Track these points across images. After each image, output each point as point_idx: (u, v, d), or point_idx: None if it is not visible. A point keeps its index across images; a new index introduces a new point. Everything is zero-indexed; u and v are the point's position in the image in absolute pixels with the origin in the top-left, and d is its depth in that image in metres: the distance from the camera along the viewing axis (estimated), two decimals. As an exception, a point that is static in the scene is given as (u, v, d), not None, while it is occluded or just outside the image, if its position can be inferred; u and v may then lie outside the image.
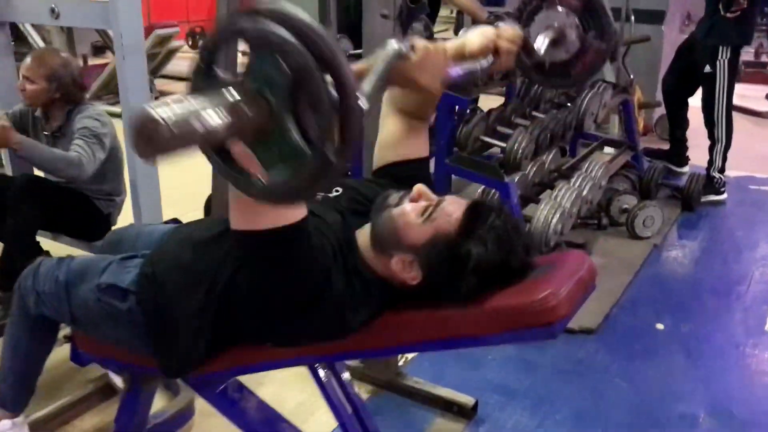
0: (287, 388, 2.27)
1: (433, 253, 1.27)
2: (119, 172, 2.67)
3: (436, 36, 4.27)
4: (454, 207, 1.31)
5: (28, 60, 2.57)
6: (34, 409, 2.03)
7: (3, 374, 1.85)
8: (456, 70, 1.39)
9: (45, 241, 2.76)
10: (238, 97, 0.87)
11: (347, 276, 1.30)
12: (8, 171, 2.85)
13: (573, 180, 3.20)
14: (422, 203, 1.32)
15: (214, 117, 0.84)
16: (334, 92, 0.85)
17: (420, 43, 1.27)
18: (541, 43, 1.64)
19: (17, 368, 1.85)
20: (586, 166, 3.39)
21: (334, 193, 1.51)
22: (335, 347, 1.38)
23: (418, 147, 1.56)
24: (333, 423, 1.80)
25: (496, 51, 1.47)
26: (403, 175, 1.53)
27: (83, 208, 2.62)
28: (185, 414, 2.16)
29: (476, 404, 2.23)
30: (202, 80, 0.92)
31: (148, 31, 5.99)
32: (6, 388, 1.86)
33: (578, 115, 3.36)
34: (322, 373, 1.68)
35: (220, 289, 1.41)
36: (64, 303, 1.65)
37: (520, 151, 2.83)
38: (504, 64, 1.50)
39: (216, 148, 0.95)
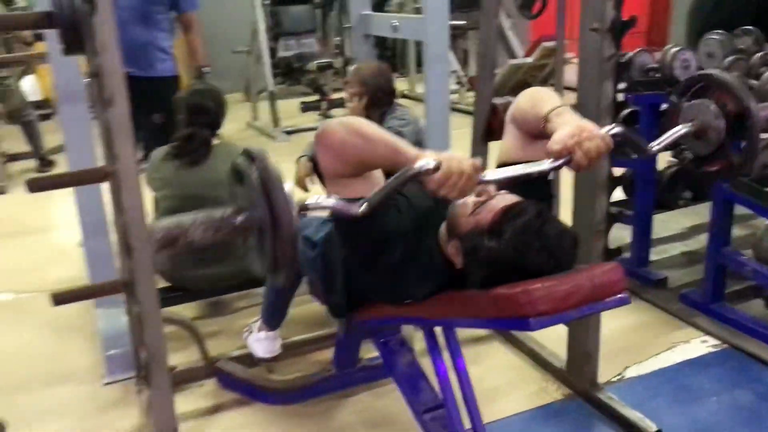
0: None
1: (467, 242, 1.44)
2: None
3: None
4: (498, 204, 1.44)
5: (350, 69, 3.18)
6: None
7: (264, 296, 2.51)
8: (494, 177, 1.47)
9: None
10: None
11: (414, 253, 1.54)
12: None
13: None
14: (475, 198, 1.48)
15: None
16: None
17: (446, 162, 1.35)
18: (672, 132, 1.60)
19: (272, 295, 2.48)
20: None
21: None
22: (415, 312, 1.63)
23: (537, 155, 1.67)
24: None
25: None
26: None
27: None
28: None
29: (658, 433, 2.14)
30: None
31: (536, 43, 6.41)
32: (265, 308, 2.52)
33: None
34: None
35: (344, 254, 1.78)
36: (289, 247, 2.20)
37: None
38: (581, 169, 1.45)
39: None
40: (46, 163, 5.50)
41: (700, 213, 3.72)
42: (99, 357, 2.70)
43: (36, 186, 2.21)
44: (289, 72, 6.47)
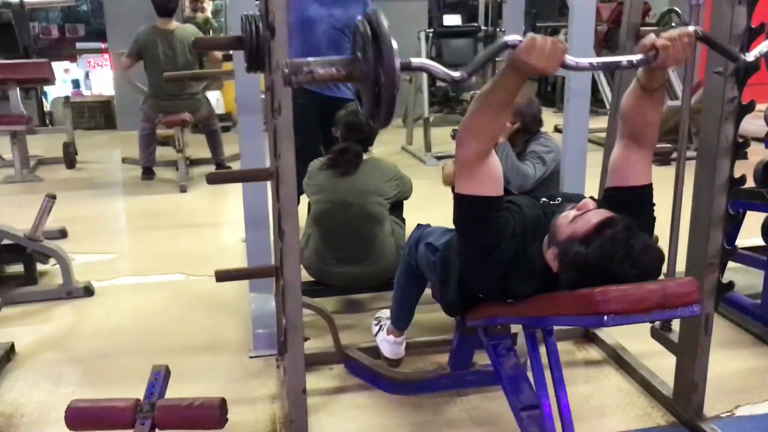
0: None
1: (563, 248, 1.63)
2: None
3: None
4: (593, 218, 1.62)
5: None
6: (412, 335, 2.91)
7: (392, 299, 2.80)
8: (578, 60, 1.60)
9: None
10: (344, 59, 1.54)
11: (520, 256, 1.76)
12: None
13: None
14: (575, 212, 1.67)
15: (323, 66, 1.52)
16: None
17: (530, 34, 1.55)
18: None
19: (398, 298, 2.76)
20: None
21: (555, 201, 1.93)
22: (516, 311, 1.84)
23: (637, 174, 1.83)
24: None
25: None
26: (622, 200, 1.83)
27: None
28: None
29: (757, 470, 2.17)
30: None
31: (700, 84, 6.26)
32: (393, 311, 2.80)
33: None
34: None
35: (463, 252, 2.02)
36: (414, 252, 2.48)
37: None
38: (668, 60, 1.62)
39: None
40: (222, 168, 6.18)
41: None
42: (248, 334, 3.11)
43: (213, 179, 2.66)
44: (445, 101, 6.80)
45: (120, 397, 2.20)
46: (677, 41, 1.59)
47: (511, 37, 1.56)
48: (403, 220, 3.47)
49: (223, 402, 2.16)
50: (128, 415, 2.13)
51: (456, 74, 1.51)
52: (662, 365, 2.69)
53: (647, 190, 1.86)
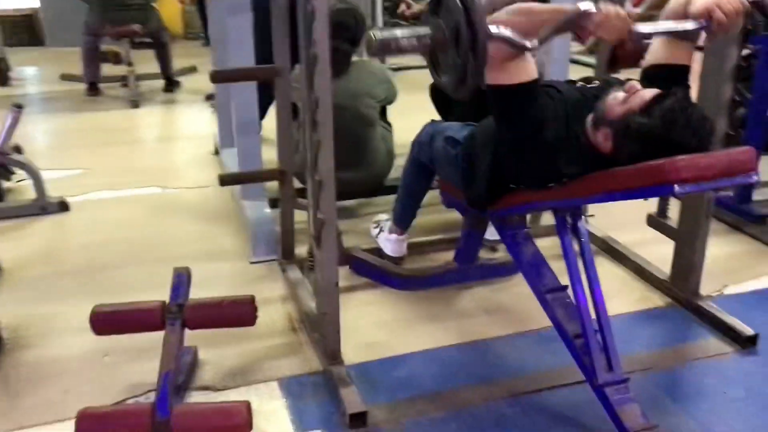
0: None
1: (619, 125, 1.68)
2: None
3: None
4: (648, 94, 1.67)
5: None
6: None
7: (396, 198, 2.81)
8: (644, 29, 1.71)
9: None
10: (429, 31, 1.63)
11: (565, 138, 1.80)
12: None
13: None
14: (623, 93, 1.71)
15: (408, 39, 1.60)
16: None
17: (604, 7, 1.65)
18: None
19: (404, 196, 2.78)
20: None
21: (593, 84, 1.97)
22: (560, 194, 1.89)
23: (680, 55, 1.88)
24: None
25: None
26: (660, 76, 1.88)
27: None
28: (511, 268, 2.81)
29: (755, 337, 2.35)
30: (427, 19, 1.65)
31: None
32: (397, 209, 2.83)
33: None
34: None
35: (493, 144, 2.04)
36: (428, 148, 2.49)
37: None
38: (721, 29, 1.72)
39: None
40: (172, 83, 5.94)
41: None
42: (244, 241, 3.08)
43: (219, 77, 2.57)
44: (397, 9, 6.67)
45: (143, 300, 2.17)
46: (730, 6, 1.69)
47: (585, 5, 1.68)
48: (390, 125, 3.46)
49: (253, 299, 2.17)
50: (156, 316, 2.11)
51: (529, 43, 1.65)
52: (655, 253, 2.84)
53: (685, 70, 1.91)
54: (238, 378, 2.22)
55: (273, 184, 2.87)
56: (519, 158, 1.90)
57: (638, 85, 1.74)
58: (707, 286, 2.66)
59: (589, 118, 1.83)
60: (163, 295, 2.11)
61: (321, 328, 2.22)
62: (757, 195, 3.45)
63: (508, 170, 2.01)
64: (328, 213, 2.04)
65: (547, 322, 2.44)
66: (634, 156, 1.63)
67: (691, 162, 1.49)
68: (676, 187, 1.48)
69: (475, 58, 1.52)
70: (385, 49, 1.65)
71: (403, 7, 4.12)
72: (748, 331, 2.37)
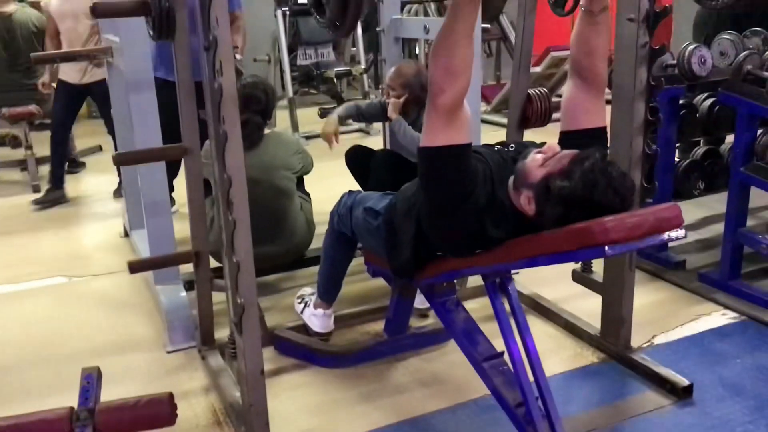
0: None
1: (541, 188, 1.65)
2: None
3: None
4: (566, 156, 1.66)
5: (390, 71, 3.37)
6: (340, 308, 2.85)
7: (319, 271, 2.71)
8: None
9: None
10: None
11: (491, 201, 1.76)
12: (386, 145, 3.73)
13: None
14: (544, 155, 1.70)
15: None
16: None
17: None
18: None
19: (327, 268, 2.68)
20: None
21: (509, 149, 1.96)
22: (488, 260, 1.84)
23: (590, 116, 1.89)
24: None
25: None
26: (574, 143, 1.88)
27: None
28: (443, 335, 2.73)
29: (690, 387, 2.34)
30: None
31: (545, 54, 6.65)
32: (321, 282, 2.72)
33: None
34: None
35: (416, 212, 1.99)
36: (348, 220, 2.41)
37: (820, 164, 2.71)
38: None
39: None
40: (76, 164, 5.69)
41: (711, 206, 3.97)
42: (159, 329, 2.89)
43: (122, 160, 2.43)
44: (307, 80, 6.70)
45: (47, 409, 1.96)
46: None
47: None
48: (308, 194, 3.38)
49: (171, 397, 1.99)
50: (64, 426, 1.90)
51: None
52: (583, 307, 2.84)
53: (601, 132, 1.92)
54: (159, 484, 2.01)
55: (188, 265, 2.71)
56: (446, 224, 1.84)
57: (556, 147, 1.73)
58: (637, 338, 2.65)
59: (510, 180, 1.81)
60: (71, 399, 1.91)
61: (248, 422, 2.06)
62: (673, 242, 3.52)
63: (434, 237, 1.95)
64: (248, 296, 1.92)
65: (484, 390, 2.37)
66: (559, 218, 1.60)
67: (620, 222, 1.46)
68: (607, 249, 1.45)
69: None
70: None
71: None
72: (684, 382, 2.35)
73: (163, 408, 1.97)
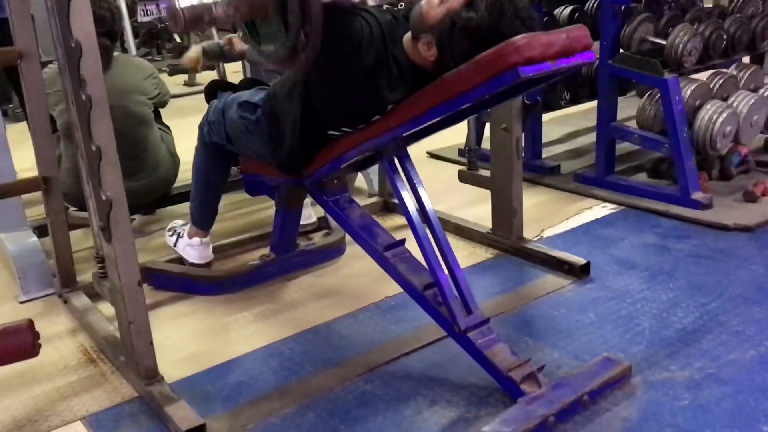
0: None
1: (442, 27, 1.53)
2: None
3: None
4: (465, -8, 1.54)
5: None
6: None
7: (192, 196, 2.44)
8: None
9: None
10: None
11: (384, 60, 1.61)
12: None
13: (762, 90, 3.03)
14: (438, -4, 1.57)
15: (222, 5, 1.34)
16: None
17: None
18: None
19: (201, 190, 2.42)
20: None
21: (399, 7, 1.82)
22: (389, 123, 1.68)
23: None
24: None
25: None
26: None
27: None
28: (333, 250, 2.57)
29: (587, 265, 2.33)
30: None
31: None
32: (194, 208, 2.45)
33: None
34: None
35: (303, 86, 1.80)
36: (221, 124, 2.18)
37: (681, 46, 2.79)
38: None
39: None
40: None
41: (574, 123, 4.08)
42: (9, 279, 2.52)
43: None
44: (151, 38, 6.23)
45: None
46: None
47: None
48: (168, 127, 3.08)
49: (31, 324, 1.69)
50: None
51: None
52: (469, 214, 2.80)
53: None
54: (26, 429, 1.72)
55: (35, 211, 2.38)
56: (337, 90, 1.67)
57: (450, -14, 1.60)
58: (526, 233, 2.62)
59: (406, 36, 1.67)
60: None
61: (127, 344, 1.79)
62: (545, 153, 3.57)
63: (324, 111, 1.78)
64: (115, 191, 1.65)
65: (382, 294, 2.27)
66: (464, 54, 1.48)
67: (532, 40, 1.36)
68: (521, 70, 1.34)
69: (307, 22, 1.29)
70: (197, 20, 1.35)
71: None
72: (580, 261, 2.34)
73: (23, 337, 1.68)
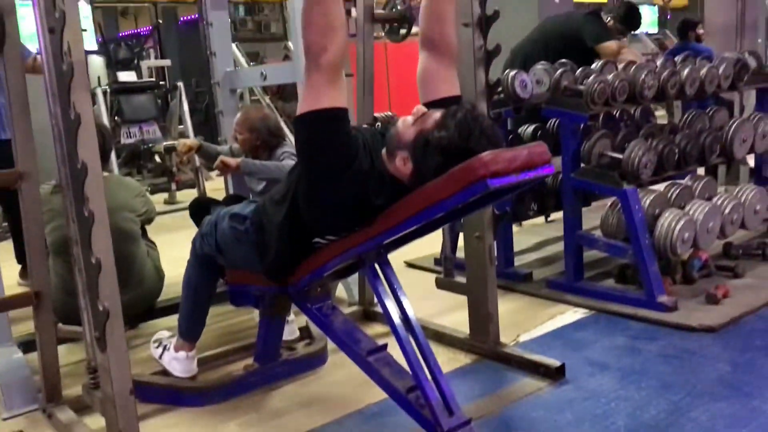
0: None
1: (417, 145, 1.70)
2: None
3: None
4: (437, 112, 1.72)
5: (238, 115, 3.36)
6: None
7: (181, 307, 2.52)
8: None
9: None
10: None
11: (372, 168, 1.77)
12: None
13: (715, 199, 3.24)
14: (414, 115, 1.75)
15: None
16: None
17: None
18: None
19: (190, 300, 2.50)
20: (737, 189, 3.40)
21: (376, 127, 2.00)
22: (372, 231, 1.81)
23: (446, 84, 1.98)
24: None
25: None
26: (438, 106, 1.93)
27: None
28: (316, 359, 2.63)
29: (562, 367, 2.42)
30: None
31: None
32: (183, 319, 2.52)
33: (725, 140, 3.40)
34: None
35: (291, 197, 1.94)
36: (213, 235, 2.30)
37: (637, 159, 3.01)
38: None
39: None
40: None
41: (543, 233, 4.26)
42: (-9, 397, 2.53)
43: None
44: (132, 158, 6.44)
45: None
46: None
47: None
48: (153, 243, 3.19)
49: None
50: None
51: None
52: (448, 321, 2.89)
53: (459, 101, 2.00)
54: None
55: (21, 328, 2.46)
56: (329, 195, 1.79)
57: (423, 108, 1.79)
58: (503, 339, 2.71)
59: (383, 151, 1.83)
60: None
61: (118, 454, 1.82)
62: (517, 261, 3.72)
63: (311, 220, 1.90)
64: (111, 301, 1.74)
65: (366, 401, 2.32)
66: (438, 168, 1.64)
67: (497, 155, 1.52)
68: (489, 182, 1.49)
69: None
70: None
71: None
72: (555, 363, 2.43)
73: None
